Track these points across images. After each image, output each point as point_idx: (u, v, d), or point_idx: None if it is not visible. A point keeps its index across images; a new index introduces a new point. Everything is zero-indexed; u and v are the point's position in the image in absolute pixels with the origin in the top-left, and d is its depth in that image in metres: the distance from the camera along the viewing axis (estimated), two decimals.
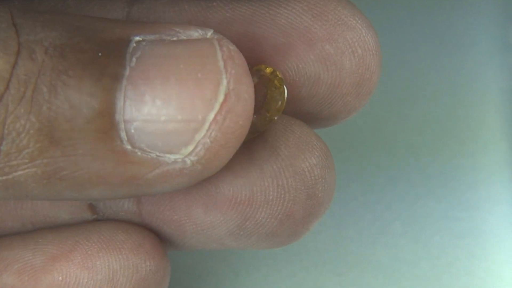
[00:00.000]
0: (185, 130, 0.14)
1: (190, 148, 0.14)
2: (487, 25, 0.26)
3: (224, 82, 0.13)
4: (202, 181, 0.16)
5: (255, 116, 0.16)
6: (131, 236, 0.17)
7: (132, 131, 0.13)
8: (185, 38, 0.14)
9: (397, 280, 0.23)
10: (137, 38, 0.14)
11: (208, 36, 0.14)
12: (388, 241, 0.23)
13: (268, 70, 0.17)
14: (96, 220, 0.17)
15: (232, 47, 0.14)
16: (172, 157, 0.14)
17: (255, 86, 0.16)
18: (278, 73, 0.16)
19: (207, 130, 0.14)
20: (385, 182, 0.24)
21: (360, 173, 0.24)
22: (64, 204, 0.18)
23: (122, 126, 0.13)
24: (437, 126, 0.25)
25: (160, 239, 0.18)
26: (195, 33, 0.14)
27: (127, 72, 0.13)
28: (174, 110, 0.13)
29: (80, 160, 0.14)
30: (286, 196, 0.16)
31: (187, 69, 0.14)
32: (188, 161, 0.14)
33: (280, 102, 0.16)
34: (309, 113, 0.17)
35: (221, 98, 0.13)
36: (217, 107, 0.13)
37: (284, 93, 0.16)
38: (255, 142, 0.16)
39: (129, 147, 0.14)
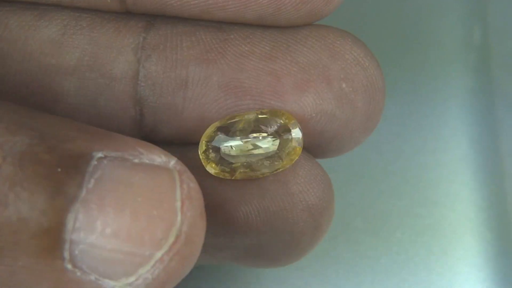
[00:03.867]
0: (129, 263, 0.13)
1: (131, 279, 0.13)
2: (451, 24, 0.26)
3: (178, 224, 0.13)
4: (216, 208, 0.16)
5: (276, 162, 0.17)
6: None
7: (76, 252, 0.13)
8: (147, 161, 0.14)
9: (357, 275, 0.23)
10: (99, 155, 0.14)
11: (170, 166, 0.14)
12: (349, 236, 0.23)
13: (288, 119, 0.17)
14: None
15: (193, 185, 0.14)
16: (111, 283, 0.13)
17: (277, 131, 0.17)
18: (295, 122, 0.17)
19: (152, 267, 0.13)
20: (347, 178, 0.24)
21: None
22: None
23: (67, 246, 0.13)
24: (399, 123, 0.25)
25: None
26: (158, 159, 0.14)
27: (83, 194, 0.13)
28: (123, 242, 0.13)
29: (18, 272, 0.13)
30: (295, 228, 0.17)
31: (144, 203, 0.13)
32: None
33: (296, 151, 0.17)
34: (319, 146, 0.18)
35: (171, 239, 0.13)
36: (165, 247, 0.13)
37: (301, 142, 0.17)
38: (266, 177, 0.17)
39: (69, 266, 0.13)
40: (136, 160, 0.14)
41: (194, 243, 0.14)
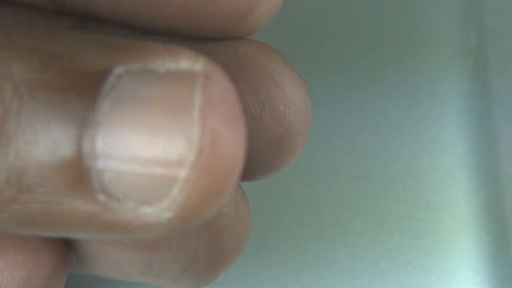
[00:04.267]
0: (157, 185, 0.12)
1: (165, 203, 0.13)
2: (447, 28, 0.26)
3: (196, 136, 0.12)
4: None
5: None
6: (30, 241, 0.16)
7: (105, 180, 0.13)
8: (173, 68, 0.13)
9: (355, 278, 0.23)
10: (118, 71, 0.13)
11: (195, 68, 0.13)
12: (347, 239, 0.23)
13: None
14: None
15: (221, 88, 0.12)
16: (148, 209, 0.13)
17: None
18: None
19: (181, 188, 0.12)
20: (345, 181, 0.24)
21: (320, 172, 0.24)
22: None
23: (94, 175, 0.13)
24: (397, 127, 0.25)
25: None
26: (184, 64, 0.13)
27: (100, 118, 0.12)
28: (145, 164, 0.12)
29: (52, 208, 0.13)
30: (188, 244, 0.16)
31: (161, 119, 0.12)
32: (163, 215, 0.13)
33: None
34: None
35: (192, 155, 0.12)
36: (188, 164, 0.12)
37: None
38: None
39: (102, 197, 0.13)
40: (161, 69, 0.13)
41: (223, 156, 0.12)
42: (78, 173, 0.12)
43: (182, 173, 0.12)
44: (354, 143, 0.25)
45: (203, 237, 0.16)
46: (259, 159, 0.16)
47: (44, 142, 0.12)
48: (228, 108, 0.12)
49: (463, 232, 0.24)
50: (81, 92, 0.12)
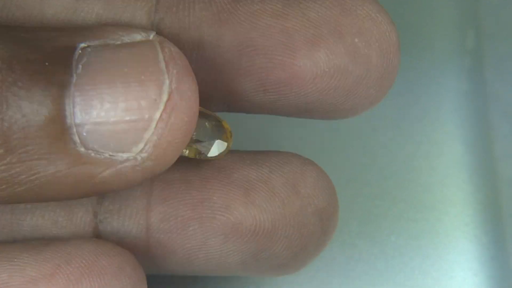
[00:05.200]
0: (134, 130, 0.14)
1: (140, 146, 0.14)
2: (445, 28, 0.26)
3: (167, 82, 0.14)
4: (223, 213, 0.17)
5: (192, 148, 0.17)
6: (113, 259, 0.16)
7: (84, 134, 0.14)
8: (128, 41, 0.15)
9: (352, 279, 0.23)
10: (82, 45, 0.14)
11: (150, 38, 0.15)
12: (344, 240, 0.23)
13: (226, 125, 0.18)
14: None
15: (174, 49, 0.15)
16: (124, 155, 0.14)
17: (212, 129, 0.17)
18: (230, 132, 0.17)
19: (155, 128, 0.14)
20: (342, 182, 0.24)
21: None
22: (68, 225, 0.18)
23: (74, 130, 0.14)
24: (393, 128, 0.25)
25: (154, 262, 0.18)
26: (138, 36, 0.15)
27: (74, 79, 0.14)
28: (122, 111, 0.14)
29: (36, 164, 0.14)
30: (305, 231, 0.17)
31: (131, 72, 0.14)
32: (139, 158, 0.14)
33: (219, 152, 0.17)
34: (332, 104, 0.17)
35: (165, 97, 0.14)
36: (162, 106, 0.14)
37: (226, 147, 0.17)
38: (275, 179, 0.17)
39: (82, 149, 0.14)
40: (118, 42, 0.15)
41: (187, 97, 0.14)
42: (59, 129, 0.14)
43: (157, 114, 0.14)
44: (351, 144, 0.25)
45: (318, 224, 0.17)
46: (364, 94, 0.17)
47: (27, 104, 0.14)
48: (184, 62, 0.15)
49: (461, 233, 0.24)
50: (56, 61, 0.14)
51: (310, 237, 0.17)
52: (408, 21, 0.26)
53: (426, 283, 0.23)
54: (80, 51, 0.14)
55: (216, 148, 0.17)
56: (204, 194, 0.17)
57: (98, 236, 0.18)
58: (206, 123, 0.17)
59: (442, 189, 0.24)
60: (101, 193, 0.16)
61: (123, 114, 0.14)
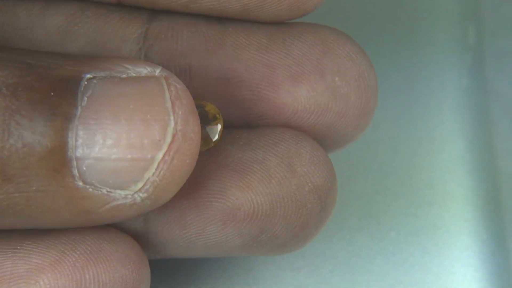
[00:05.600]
0: (135, 169, 0.14)
1: (140, 185, 0.14)
2: (446, 25, 0.26)
3: (172, 123, 0.14)
4: (220, 199, 0.17)
5: None
6: (118, 247, 0.17)
7: (84, 168, 0.14)
8: (134, 75, 0.15)
9: (352, 275, 0.23)
10: (88, 76, 0.14)
11: (156, 74, 0.15)
12: (345, 236, 0.23)
13: (209, 107, 0.17)
14: None
15: (180, 86, 0.15)
16: (123, 193, 0.14)
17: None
18: (217, 112, 0.17)
19: (156, 169, 0.14)
20: (342, 178, 0.24)
21: None
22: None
23: (74, 163, 0.14)
24: (394, 123, 0.25)
25: (154, 249, 0.18)
26: (144, 70, 0.15)
27: (78, 112, 0.14)
28: (124, 149, 0.14)
29: (33, 196, 0.14)
30: (303, 210, 0.17)
31: (136, 109, 0.14)
32: (138, 198, 0.14)
33: (214, 138, 0.17)
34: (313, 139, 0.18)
35: (169, 139, 0.14)
36: (165, 147, 0.14)
37: (218, 131, 0.17)
38: (270, 159, 0.17)
39: (80, 183, 0.14)
40: (124, 75, 0.14)
41: (191, 139, 0.14)
42: (59, 162, 0.14)
43: (159, 155, 0.14)
44: None
45: (316, 202, 0.17)
46: (342, 132, 0.18)
47: (29, 134, 0.14)
48: (189, 101, 0.15)
49: (461, 228, 0.24)
50: (61, 92, 0.14)
51: (309, 216, 0.17)
52: (409, 17, 0.26)
53: (426, 278, 0.23)
54: (86, 83, 0.14)
55: (212, 135, 0.17)
56: (200, 180, 0.17)
57: None
58: None
59: (442, 185, 0.24)
60: (97, 224, 0.16)
61: (125, 152, 0.14)
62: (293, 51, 0.17)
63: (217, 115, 0.17)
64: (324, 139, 0.18)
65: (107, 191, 0.14)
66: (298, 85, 0.17)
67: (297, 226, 0.17)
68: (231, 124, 0.18)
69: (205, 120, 0.17)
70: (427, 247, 0.23)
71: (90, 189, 0.14)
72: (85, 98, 0.14)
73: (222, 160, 0.17)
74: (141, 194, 0.14)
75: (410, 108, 0.25)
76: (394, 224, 0.24)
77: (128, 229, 0.17)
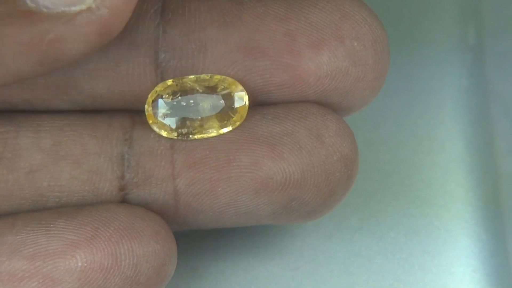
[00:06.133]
0: None
1: None
2: (446, 25, 0.26)
3: None
4: (252, 170, 0.17)
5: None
6: (148, 223, 0.17)
7: None
8: None
9: (351, 274, 0.23)
10: None
11: None
12: (344, 236, 0.23)
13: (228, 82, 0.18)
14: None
15: None
16: (77, 8, 0.14)
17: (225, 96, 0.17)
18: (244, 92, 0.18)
19: None
20: None
21: None
22: (95, 200, 0.18)
23: None
24: (394, 123, 0.25)
25: (183, 220, 0.18)
26: None
27: None
28: None
29: None
30: (332, 178, 0.18)
31: None
32: (93, 6, 0.14)
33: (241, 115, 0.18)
34: (330, 104, 0.18)
35: None
36: None
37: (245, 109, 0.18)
38: (300, 131, 0.18)
39: (33, 5, 0.14)
40: None
41: None
42: None
43: None
44: None
45: (344, 170, 0.18)
46: (360, 95, 0.18)
47: None
48: None
49: (461, 229, 0.24)
50: None
51: (337, 183, 0.18)
52: (409, 17, 0.26)
53: (425, 278, 0.23)
54: None
55: (238, 102, 0.18)
56: (230, 155, 0.17)
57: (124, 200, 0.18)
58: (212, 98, 0.18)
59: (442, 185, 0.24)
60: (62, 59, 0.15)
61: None
62: (312, 18, 0.17)
63: (240, 86, 0.18)
64: (343, 102, 0.18)
65: (62, 10, 0.14)
66: (319, 52, 0.17)
67: (326, 193, 0.18)
68: (252, 94, 0.18)
69: (228, 96, 0.18)
70: (427, 247, 0.23)
71: (45, 10, 0.14)
72: None
73: (252, 134, 0.18)
74: (96, 2, 0.14)
75: (410, 107, 0.25)
76: (393, 224, 0.24)
77: (157, 205, 0.18)
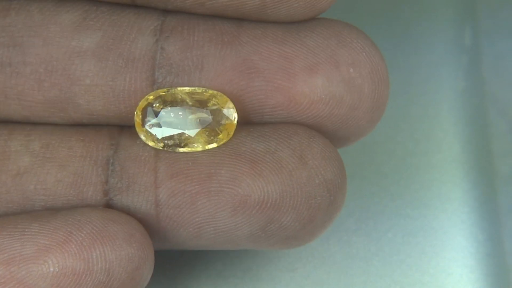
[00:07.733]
0: None
1: None
2: (442, 26, 0.26)
3: None
4: (231, 186, 0.17)
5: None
6: (122, 226, 0.17)
7: None
8: None
9: (349, 276, 0.23)
10: None
11: None
12: (342, 237, 0.23)
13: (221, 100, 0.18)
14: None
15: None
16: None
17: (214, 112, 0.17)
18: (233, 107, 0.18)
19: None
20: None
21: None
22: (79, 203, 0.18)
23: None
24: (392, 125, 0.25)
25: (164, 235, 0.18)
26: None
27: None
28: None
29: None
30: (312, 202, 0.17)
31: None
32: None
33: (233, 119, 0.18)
34: (326, 132, 0.18)
35: None
36: None
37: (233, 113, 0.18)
38: (282, 150, 0.17)
39: None
40: None
41: None
42: None
43: None
44: None
45: (326, 195, 0.17)
46: (355, 125, 0.18)
47: None
48: None
49: (458, 230, 0.24)
50: None
51: (318, 209, 0.17)
52: (406, 18, 0.26)
53: (423, 279, 0.23)
54: None
55: (227, 119, 0.18)
56: (211, 168, 0.17)
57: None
58: (203, 113, 0.18)
59: (439, 186, 0.24)
60: None
61: None
62: (308, 42, 0.17)
63: (230, 101, 0.18)
64: (337, 132, 0.18)
65: None
66: (314, 76, 0.17)
67: (306, 217, 0.17)
68: (246, 117, 0.18)
69: (218, 112, 0.18)
70: (424, 248, 0.24)
71: None
72: None
73: (235, 150, 0.17)
74: None
75: (406, 109, 0.25)
76: (391, 225, 0.24)
77: (140, 214, 0.18)
